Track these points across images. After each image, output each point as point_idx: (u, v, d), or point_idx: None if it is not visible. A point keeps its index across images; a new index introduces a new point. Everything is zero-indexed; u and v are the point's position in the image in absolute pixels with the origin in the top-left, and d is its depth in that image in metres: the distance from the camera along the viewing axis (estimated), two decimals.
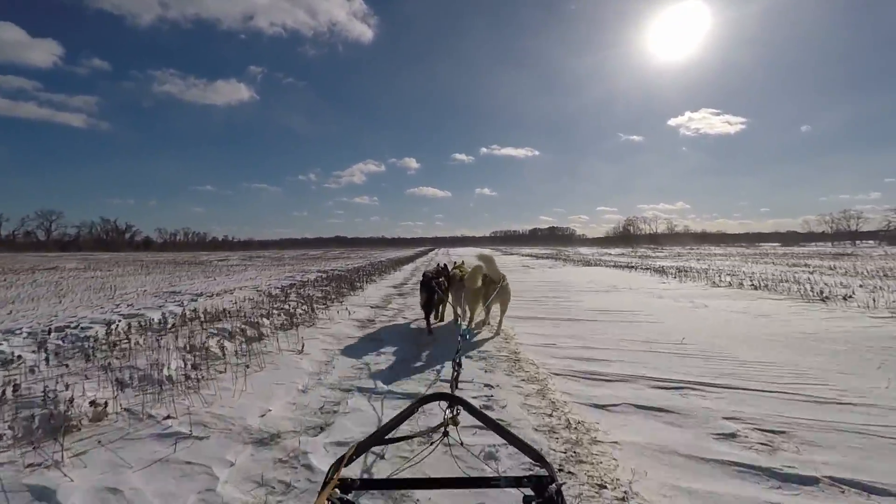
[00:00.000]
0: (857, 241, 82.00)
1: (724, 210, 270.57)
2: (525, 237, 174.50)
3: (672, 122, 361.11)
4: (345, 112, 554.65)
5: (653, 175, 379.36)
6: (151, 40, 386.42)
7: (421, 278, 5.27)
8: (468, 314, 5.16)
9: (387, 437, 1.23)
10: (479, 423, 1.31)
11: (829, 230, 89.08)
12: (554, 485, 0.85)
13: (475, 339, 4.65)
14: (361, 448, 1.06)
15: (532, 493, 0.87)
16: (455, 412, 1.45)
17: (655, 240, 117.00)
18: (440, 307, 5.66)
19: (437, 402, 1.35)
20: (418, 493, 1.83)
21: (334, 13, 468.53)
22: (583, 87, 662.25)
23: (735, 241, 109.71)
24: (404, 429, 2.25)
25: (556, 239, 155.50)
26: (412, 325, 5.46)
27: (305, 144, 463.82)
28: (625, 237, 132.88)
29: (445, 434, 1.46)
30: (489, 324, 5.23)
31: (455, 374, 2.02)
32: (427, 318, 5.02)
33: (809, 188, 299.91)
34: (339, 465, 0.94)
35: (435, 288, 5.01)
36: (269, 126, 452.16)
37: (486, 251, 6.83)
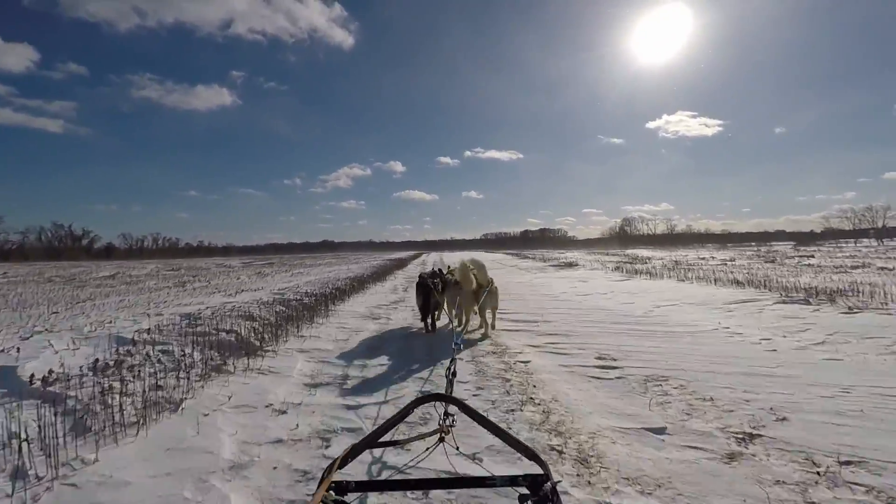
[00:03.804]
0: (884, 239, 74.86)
1: (707, 210, 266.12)
2: (516, 239, 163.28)
3: (651, 124, 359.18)
4: (328, 116, 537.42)
5: (635, 177, 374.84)
6: (129, 46, 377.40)
7: (417, 279, 5.30)
8: (463, 317, 5.26)
9: (381, 440, 1.21)
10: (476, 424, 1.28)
11: (852, 227, 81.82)
12: (549, 483, 0.85)
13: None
14: (356, 450, 1.06)
15: (527, 491, 0.87)
16: (450, 414, 1.48)
17: (654, 241, 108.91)
18: (437, 310, 5.46)
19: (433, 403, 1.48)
20: (414, 494, 1.83)
21: (314, 19, 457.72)
22: (561, 90, 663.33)
23: (743, 241, 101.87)
24: (402, 428, 2.42)
25: (547, 241, 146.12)
26: None
27: (289, 149, 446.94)
28: (621, 238, 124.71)
29: (441, 440, 1.46)
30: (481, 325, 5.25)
31: (450, 375, 1.98)
32: (424, 319, 5.19)
33: (787, 188, 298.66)
34: (333, 466, 0.93)
35: (431, 289, 5.04)
36: (253, 130, 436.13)
37: (476, 256, 6.28)
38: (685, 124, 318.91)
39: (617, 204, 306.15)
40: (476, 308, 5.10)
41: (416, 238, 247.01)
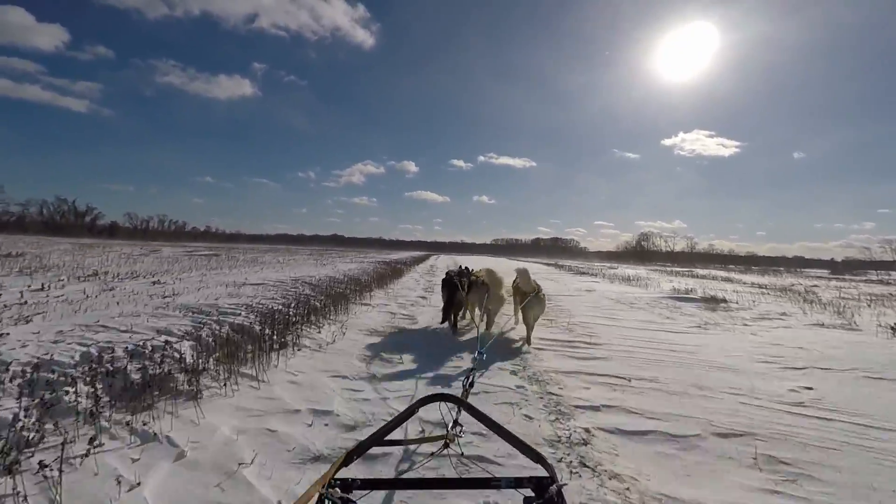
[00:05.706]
0: None
1: (721, 231, 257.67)
2: (527, 247, 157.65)
3: (667, 141, 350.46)
4: (344, 113, 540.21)
5: (649, 193, 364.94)
6: (155, 33, 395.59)
7: (444, 276, 5.26)
8: (488, 319, 5.14)
9: (387, 439, 1.17)
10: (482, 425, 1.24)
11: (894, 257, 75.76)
12: (555, 486, 0.83)
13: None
14: (361, 448, 1.02)
15: (532, 493, 0.86)
16: (457, 414, 1.43)
17: (674, 259, 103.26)
18: (462, 309, 5.39)
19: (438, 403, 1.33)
20: (419, 494, 1.76)
21: (338, 19, 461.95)
22: (578, 102, 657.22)
23: (771, 266, 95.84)
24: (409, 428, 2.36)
25: (559, 251, 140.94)
26: None
27: (305, 142, 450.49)
28: (639, 253, 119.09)
29: (447, 445, 1.42)
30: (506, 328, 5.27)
31: (470, 379, 1.94)
32: (448, 318, 5.04)
33: (804, 215, 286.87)
34: (337, 463, 0.91)
35: (457, 287, 4.95)
36: (270, 122, 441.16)
37: (493, 263, 6.12)
38: (702, 143, 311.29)
39: (629, 218, 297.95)
40: (520, 315, 5.05)
41: (425, 238, 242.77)
